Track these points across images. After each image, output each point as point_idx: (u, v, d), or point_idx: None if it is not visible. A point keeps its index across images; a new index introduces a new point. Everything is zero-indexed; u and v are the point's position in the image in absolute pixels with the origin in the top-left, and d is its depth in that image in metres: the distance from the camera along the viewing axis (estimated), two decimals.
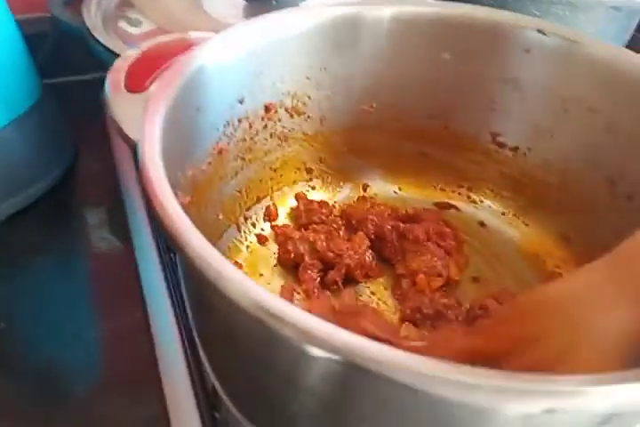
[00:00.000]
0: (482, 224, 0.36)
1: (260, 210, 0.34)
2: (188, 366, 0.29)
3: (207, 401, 0.28)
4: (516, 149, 0.34)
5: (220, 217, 0.31)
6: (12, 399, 0.30)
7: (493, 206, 0.36)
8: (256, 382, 0.20)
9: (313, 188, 0.37)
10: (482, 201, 0.36)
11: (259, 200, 0.34)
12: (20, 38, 0.41)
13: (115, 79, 0.26)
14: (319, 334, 0.15)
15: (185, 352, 0.30)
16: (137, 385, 0.30)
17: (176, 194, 0.21)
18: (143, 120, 0.20)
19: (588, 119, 0.29)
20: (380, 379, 0.15)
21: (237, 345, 0.19)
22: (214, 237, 0.31)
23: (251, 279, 0.16)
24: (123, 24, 0.42)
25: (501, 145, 0.34)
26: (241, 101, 0.29)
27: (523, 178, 0.34)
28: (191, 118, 0.24)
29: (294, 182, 0.36)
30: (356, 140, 0.36)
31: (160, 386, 0.29)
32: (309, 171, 0.36)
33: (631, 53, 0.28)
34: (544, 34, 0.29)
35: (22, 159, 0.41)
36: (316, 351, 0.15)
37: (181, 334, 0.31)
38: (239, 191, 0.32)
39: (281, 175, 0.35)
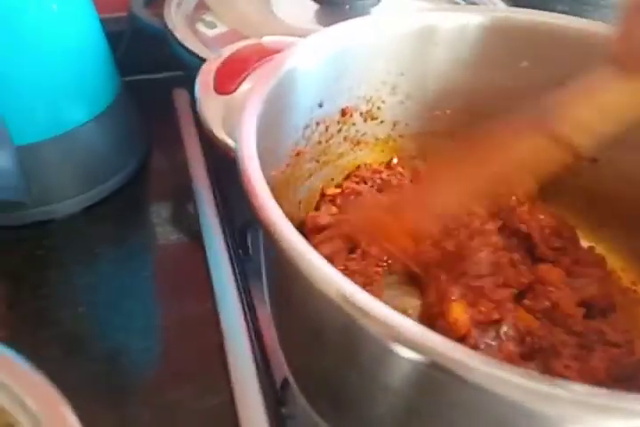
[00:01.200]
0: None
1: None
2: (255, 359, 0.30)
3: (274, 395, 0.29)
4: (595, 160, 0.33)
5: (294, 218, 0.32)
6: (84, 382, 0.31)
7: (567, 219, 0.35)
8: (334, 378, 0.21)
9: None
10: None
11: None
12: (103, 38, 0.43)
13: (204, 81, 0.27)
14: (408, 333, 0.15)
15: (252, 346, 0.31)
16: (204, 374, 0.31)
17: None
18: (241, 119, 0.21)
19: None
20: (466, 384, 0.15)
21: (320, 340, 0.20)
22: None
23: (342, 274, 0.17)
24: (199, 26, 0.44)
25: (578, 156, 0.33)
26: (320, 105, 0.29)
27: (599, 190, 0.33)
28: (277, 120, 0.25)
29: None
30: (426, 145, 0.36)
31: (227, 376, 0.30)
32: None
33: None
34: None
35: (100, 154, 0.43)
36: (402, 351, 0.16)
37: (248, 328, 0.32)
38: (314, 192, 0.33)
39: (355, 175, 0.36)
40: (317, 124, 0.30)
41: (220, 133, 0.24)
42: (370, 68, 0.31)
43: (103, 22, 0.44)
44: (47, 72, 0.37)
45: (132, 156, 0.46)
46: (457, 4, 0.47)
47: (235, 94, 0.26)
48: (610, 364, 0.25)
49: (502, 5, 0.46)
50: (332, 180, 0.34)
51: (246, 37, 0.39)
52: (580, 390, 0.15)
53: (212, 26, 0.45)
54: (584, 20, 0.30)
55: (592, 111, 0.18)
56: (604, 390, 0.14)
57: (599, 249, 0.34)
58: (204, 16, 0.46)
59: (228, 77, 0.28)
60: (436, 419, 0.18)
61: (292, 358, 0.25)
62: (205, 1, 0.47)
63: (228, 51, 0.31)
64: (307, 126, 0.29)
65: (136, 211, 0.44)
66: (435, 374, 0.16)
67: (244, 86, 0.25)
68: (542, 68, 0.31)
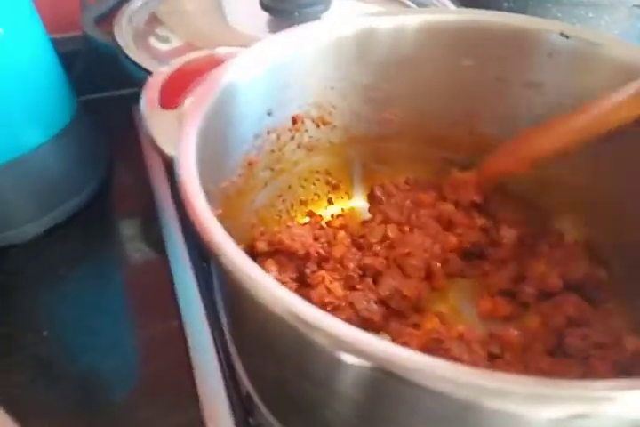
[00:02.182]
0: None
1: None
2: (223, 372, 0.30)
3: (242, 406, 0.29)
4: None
5: (255, 225, 0.32)
6: (53, 405, 0.31)
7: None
8: (290, 388, 0.21)
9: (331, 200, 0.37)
10: None
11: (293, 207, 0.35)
12: (55, 58, 0.42)
13: (149, 97, 0.27)
14: (351, 340, 0.16)
15: (219, 359, 0.31)
16: (173, 391, 0.31)
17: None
18: (179, 136, 0.21)
19: None
20: (411, 386, 0.15)
21: (271, 352, 0.20)
22: (247, 243, 0.32)
23: (284, 287, 0.17)
24: (152, 41, 0.44)
25: None
26: (269, 113, 0.29)
27: (550, 180, 0.34)
28: (223, 132, 0.25)
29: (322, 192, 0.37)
30: (381, 147, 0.36)
31: (195, 392, 0.30)
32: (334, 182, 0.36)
33: None
34: (567, 37, 0.29)
35: (60, 175, 0.43)
36: (348, 358, 0.16)
37: (215, 342, 0.32)
38: (270, 200, 0.33)
39: (313, 184, 0.36)
40: (268, 132, 0.30)
41: (168, 149, 0.24)
42: (315, 74, 0.31)
43: (57, 42, 0.43)
44: (1, 94, 0.37)
45: (93, 175, 0.46)
46: (407, 6, 0.48)
47: (181, 108, 0.26)
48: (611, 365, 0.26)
49: (451, 6, 0.47)
50: (290, 187, 0.35)
51: (201, 50, 0.39)
52: (522, 381, 0.15)
53: (165, 40, 0.45)
54: (521, 17, 0.31)
55: None
56: (538, 379, 0.14)
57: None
58: (156, 30, 0.46)
59: (176, 91, 0.28)
60: (390, 423, 0.19)
61: (250, 370, 0.25)
62: (158, 15, 0.47)
63: (175, 63, 0.31)
64: (257, 136, 0.29)
65: (100, 229, 0.44)
66: (381, 378, 0.16)
67: (188, 101, 0.25)
68: (484, 66, 0.32)
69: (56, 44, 0.43)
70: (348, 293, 0.28)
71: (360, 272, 0.30)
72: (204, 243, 0.18)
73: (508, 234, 0.33)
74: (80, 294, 0.38)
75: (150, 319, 0.36)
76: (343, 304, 0.28)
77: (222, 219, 0.27)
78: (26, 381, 0.32)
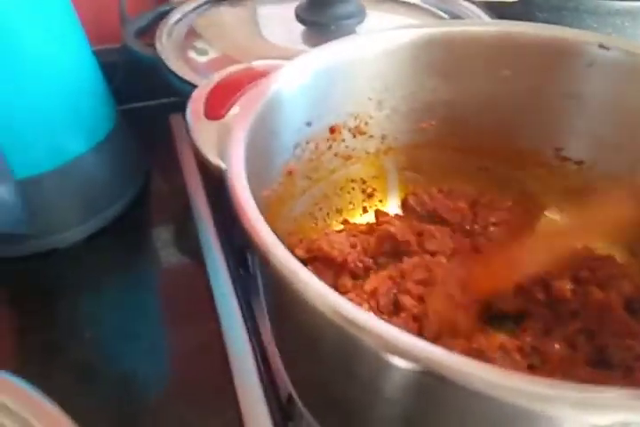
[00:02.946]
0: None
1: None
2: (261, 376, 0.31)
3: (280, 410, 0.29)
4: (580, 162, 0.34)
5: (292, 232, 0.33)
6: (94, 408, 0.32)
7: (557, 219, 0.36)
8: (334, 391, 0.21)
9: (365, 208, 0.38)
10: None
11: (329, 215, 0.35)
12: (97, 69, 0.44)
13: (195, 108, 0.28)
14: (400, 343, 0.16)
15: (257, 363, 0.32)
16: (212, 394, 0.32)
17: None
18: (228, 145, 0.21)
19: None
20: (462, 390, 0.16)
21: (317, 354, 0.20)
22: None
23: (333, 290, 0.17)
24: (191, 53, 0.45)
25: (565, 159, 0.34)
26: (309, 124, 0.30)
27: (587, 191, 0.34)
28: (267, 142, 0.26)
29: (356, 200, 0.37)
30: (416, 156, 0.37)
31: (234, 395, 0.31)
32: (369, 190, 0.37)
33: None
34: (606, 48, 0.29)
35: (100, 183, 0.44)
36: (396, 361, 0.16)
37: (253, 346, 0.33)
38: (307, 208, 0.34)
39: (348, 192, 0.37)
40: (307, 142, 0.31)
41: (214, 158, 0.25)
42: (354, 85, 0.31)
43: (98, 54, 0.45)
44: (44, 106, 0.39)
45: (132, 183, 0.47)
46: (441, 17, 0.48)
47: (225, 119, 0.27)
48: None
49: (487, 18, 0.47)
50: (326, 196, 0.35)
51: (237, 62, 0.40)
52: (571, 388, 0.15)
53: (203, 52, 0.46)
54: (557, 28, 0.31)
55: None
56: (586, 386, 0.15)
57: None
58: (195, 43, 0.47)
59: (219, 102, 0.29)
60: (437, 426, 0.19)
61: (294, 373, 0.26)
62: (196, 28, 0.49)
63: (217, 76, 0.32)
64: (297, 145, 0.30)
65: (138, 236, 0.45)
66: (429, 382, 0.17)
67: (234, 111, 0.26)
68: (522, 77, 0.32)
69: (99, 54, 0.45)
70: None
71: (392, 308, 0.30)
72: (256, 247, 0.18)
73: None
74: (119, 299, 0.39)
75: (187, 324, 0.36)
76: None
77: None
78: (69, 384, 0.33)
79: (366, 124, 0.34)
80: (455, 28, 0.33)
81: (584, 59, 0.30)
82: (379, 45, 0.31)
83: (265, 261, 0.18)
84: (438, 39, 0.32)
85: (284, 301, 0.21)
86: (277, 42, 0.46)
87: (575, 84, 0.31)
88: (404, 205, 0.38)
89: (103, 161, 0.44)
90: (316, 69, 0.28)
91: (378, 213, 0.38)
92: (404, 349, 0.16)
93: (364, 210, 0.38)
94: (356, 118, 0.33)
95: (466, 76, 0.33)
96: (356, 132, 0.34)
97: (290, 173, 0.30)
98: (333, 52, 0.29)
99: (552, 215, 0.36)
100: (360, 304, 0.28)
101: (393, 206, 0.38)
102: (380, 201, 0.38)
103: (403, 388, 0.18)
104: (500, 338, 0.25)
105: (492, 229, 0.36)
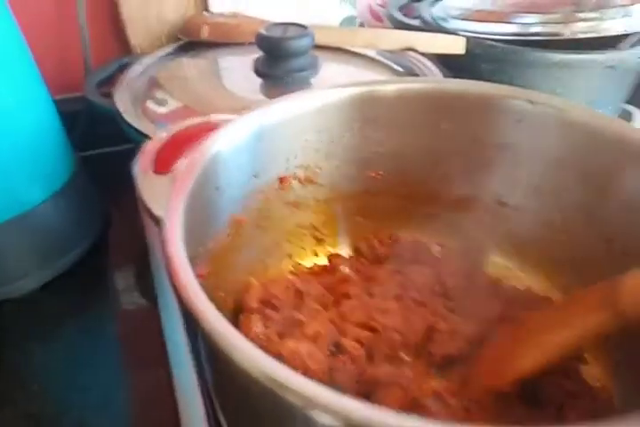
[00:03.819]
0: None
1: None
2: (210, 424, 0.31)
3: None
4: (517, 209, 0.35)
5: (242, 280, 0.33)
6: None
7: (500, 262, 0.37)
8: None
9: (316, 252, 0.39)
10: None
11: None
12: (56, 118, 0.45)
13: (144, 162, 0.29)
14: (324, 400, 0.17)
15: (206, 410, 0.32)
16: None
17: (196, 267, 0.24)
18: (167, 202, 0.22)
19: (582, 181, 0.31)
20: None
21: (251, 411, 0.21)
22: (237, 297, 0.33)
23: (257, 349, 0.18)
24: (151, 104, 0.46)
25: (504, 204, 0.36)
26: (256, 176, 0.31)
27: (526, 236, 0.36)
28: (211, 197, 0.27)
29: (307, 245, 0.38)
30: (366, 203, 0.38)
31: None
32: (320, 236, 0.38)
33: (604, 116, 0.30)
34: (532, 104, 0.32)
35: (58, 231, 0.45)
36: (321, 418, 0.17)
37: (202, 393, 0.33)
38: (258, 256, 0.35)
39: (299, 238, 0.38)
40: (255, 193, 0.32)
41: (158, 212, 0.26)
42: (301, 139, 0.33)
43: (62, 102, 0.46)
44: (5, 155, 0.39)
45: (91, 229, 0.47)
46: (395, 70, 0.51)
47: (170, 174, 0.28)
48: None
49: (436, 70, 0.49)
50: (277, 243, 0.36)
51: (197, 112, 0.41)
52: None
53: (163, 103, 0.48)
54: (490, 85, 0.33)
55: None
56: None
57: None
58: (155, 94, 0.48)
59: (171, 156, 0.30)
60: None
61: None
62: (157, 79, 0.50)
63: (171, 129, 0.33)
64: (245, 197, 0.31)
65: (96, 282, 0.45)
66: None
67: (179, 166, 0.27)
68: (460, 129, 0.34)
69: (60, 103, 0.46)
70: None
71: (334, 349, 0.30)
72: (185, 307, 0.19)
73: None
74: (72, 349, 0.39)
75: (141, 372, 0.36)
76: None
77: (210, 276, 0.28)
78: None
79: (315, 173, 0.35)
80: (395, 85, 0.35)
81: (514, 113, 0.33)
82: (323, 101, 0.33)
83: (197, 326, 0.19)
84: (380, 95, 0.34)
85: (217, 361, 0.21)
86: (237, 93, 0.48)
87: (507, 135, 0.33)
88: (356, 249, 0.39)
89: (61, 209, 0.44)
90: (259, 126, 0.30)
91: (331, 257, 0.39)
92: (328, 406, 0.16)
93: (315, 254, 0.39)
94: (305, 169, 0.35)
95: (408, 129, 0.35)
96: (306, 181, 0.35)
97: (239, 222, 0.31)
98: (276, 110, 0.30)
99: (497, 259, 0.38)
100: (300, 347, 0.29)
101: (344, 250, 0.39)
102: (331, 246, 0.39)
103: None
104: (433, 384, 0.26)
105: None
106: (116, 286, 0.45)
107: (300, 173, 0.34)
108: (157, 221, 0.26)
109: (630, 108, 0.59)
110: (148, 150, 0.30)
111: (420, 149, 0.36)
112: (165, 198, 0.26)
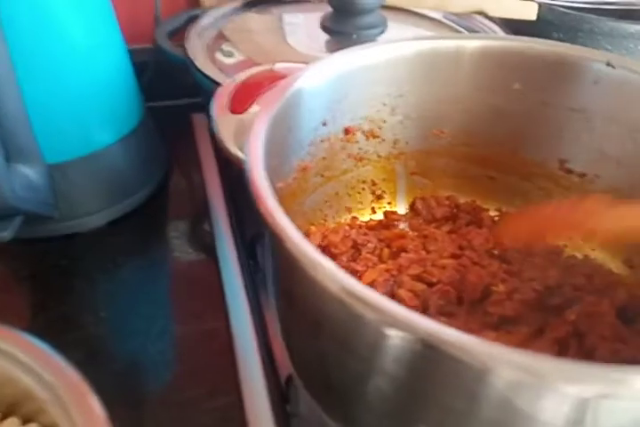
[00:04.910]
0: None
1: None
2: (263, 360, 0.32)
3: (279, 393, 0.31)
4: (583, 175, 0.35)
5: (300, 226, 0.34)
6: (104, 382, 0.33)
7: None
8: (334, 369, 0.23)
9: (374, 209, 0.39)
10: None
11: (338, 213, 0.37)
12: (130, 66, 0.46)
13: (220, 103, 0.30)
14: (398, 316, 0.17)
15: (259, 348, 0.33)
16: (216, 376, 0.33)
17: None
18: (249, 139, 0.23)
19: None
20: (454, 360, 0.17)
21: (321, 332, 0.22)
22: None
23: (340, 268, 0.19)
24: (218, 55, 0.47)
25: (569, 171, 0.36)
26: (324, 124, 0.32)
27: None
28: (284, 137, 0.28)
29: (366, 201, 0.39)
30: (426, 162, 0.38)
31: (237, 379, 0.32)
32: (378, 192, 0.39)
33: None
34: (612, 66, 0.31)
35: (124, 173, 0.46)
36: (394, 333, 0.18)
37: (257, 333, 0.34)
38: (318, 205, 0.35)
39: (358, 193, 0.38)
40: (322, 141, 0.33)
41: (234, 149, 0.27)
42: (370, 90, 0.33)
43: (131, 52, 0.47)
44: (77, 97, 0.41)
45: (153, 175, 0.49)
46: (458, 31, 0.50)
47: (246, 114, 0.29)
48: None
49: (501, 33, 0.49)
50: (337, 194, 0.37)
51: (261, 65, 0.42)
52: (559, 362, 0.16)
53: (229, 55, 0.49)
54: (568, 45, 0.33)
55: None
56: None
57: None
58: (222, 46, 0.49)
59: (241, 99, 0.31)
60: (430, 400, 0.20)
61: (296, 353, 0.27)
62: (224, 32, 0.51)
63: (242, 76, 0.34)
64: (311, 143, 0.32)
65: (156, 226, 0.47)
66: (425, 353, 0.18)
67: (255, 107, 0.28)
68: (532, 90, 0.34)
69: (131, 53, 0.47)
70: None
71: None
72: (271, 229, 0.20)
73: None
74: (134, 283, 0.41)
75: (197, 309, 0.38)
76: None
77: None
78: (81, 358, 0.35)
79: (380, 128, 0.36)
80: (471, 40, 0.34)
81: (591, 76, 0.32)
82: (395, 54, 0.33)
83: (279, 242, 0.20)
84: (451, 51, 0.33)
85: (293, 281, 0.22)
86: (300, 48, 0.48)
87: (581, 99, 0.33)
88: (412, 208, 0.40)
89: (127, 153, 0.46)
90: (335, 73, 0.30)
91: (387, 213, 0.39)
92: (401, 320, 0.17)
93: (373, 210, 0.39)
94: (370, 122, 0.35)
95: (477, 88, 0.35)
96: (370, 135, 0.36)
97: (304, 169, 0.32)
98: (352, 58, 0.31)
99: None
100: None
101: (401, 209, 0.40)
102: (389, 203, 0.40)
103: (398, 360, 0.19)
104: (492, 335, 0.26)
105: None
106: (175, 232, 0.47)
107: (365, 126, 0.35)
108: (232, 158, 0.28)
109: None
110: (223, 93, 0.31)
111: (488, 108, 0.35)
112: (241, 136, 0.27)
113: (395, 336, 0.17)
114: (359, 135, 0.35)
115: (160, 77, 0.56)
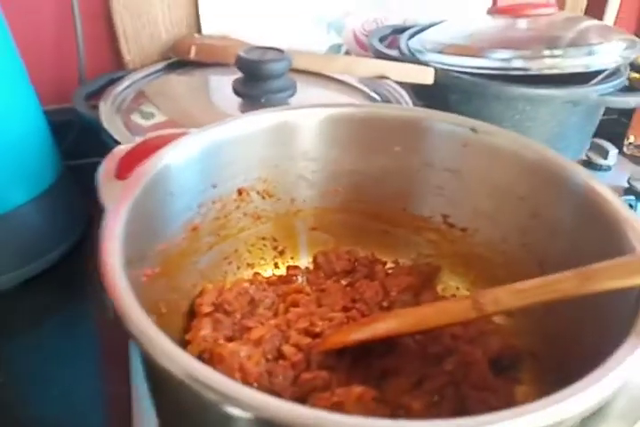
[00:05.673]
0: None
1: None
2: None
3: None
4: (464, 229, 0.38)
5: (197, 284, 0.35)
6: None
7: (449, 281, 0.39)
8: None
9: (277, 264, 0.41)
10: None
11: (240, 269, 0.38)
12: (44, 124, 0.48)
13: (107, 168, 0.31)
14: (235, 394, 0.18)
15: None
16: None
17: (144, 267, 0.26)
18: (112, 205, 0.25)
19: (518, 205, 0.33)
20: None
21: (183, 417, 0.22)
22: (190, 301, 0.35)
23: (181, 350, 0.20)
24: (135, 117, 0.49)
25: (452, 226, 0.38)
26: (214, 186, 0.34)
27: (472, 256, 0.38)
28: (164, 201, 0.29)
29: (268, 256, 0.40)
30: (325, 218, 0.40)
31: None
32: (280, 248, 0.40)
33: (532, 144, 0.33)
34: (476, 131, 0.34)
35: (40, 231, 0.47)
36: (234, 411, 0.18)
37: None
38: (216, 262, 0.37)
39: (259, 249, 0.40)
40: (213, 202, 0.34)
41: None
42: (260, 154, 0.35)
43: (54, 112, 0.49)
44: None
45: (70, 232, 0.50)
46: (366, 93, 0.54)
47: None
48: None
49: (407, 98, 0.52)
50: (236, 251, 0.38)
51: (181, 126, 0.43)
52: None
53: (149, 116, 0.50)
54: (438, 113, 0.36)
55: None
56: None
57: None
58: (142, 107, 0.51)
59: (133, 164, 0.32)
60: None
61: None
62: (146, 93, 0.53)
63: (139, 139, 0.36)
64: (201, 205, 0.33)
65: (74, 283, 0.47)
66: None
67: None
68: (410, 153, 0.37)
69: (54, 113, 0.49)
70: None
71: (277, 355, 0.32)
72: (111, 304, 0.21)
73: None
74: (47, 345, 0.41)
75: (107, 374, 0.38)
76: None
77: (161, 277, 0.30)
78: None
79: (275, 187, 0.38)
80: (358, 108, 0.37)
81: (459, 139, 0.35)
82: (284, 119, 0.35)
83: (121, 321, 0.21)
84: (341, 117, 0.36)
85: (145, 365, 0.23)
86: (218, 110, 0.51)
87: (454, 160, 0.36)
88: (314, 262, 0.41)
89: (43, 211, 0.47)
90: (213, 141, 0.32)
91: (289, 267, 0.41)
92: (237, 398, 0.18)
93: (276, 266, 0.41)
94: (264, 182, 0.37)
95: (364, 150, 0.37)
96: (265, 194, 0.37)
97: (194, 229, 0.33)
98: (228, 127, 0.33)
99: (446, 278, 0.40)
100: (241, 349, 0.31)
101: (304, 263, 0.41)
102: (292, 258, 0.41)
103: None
104: (358, 389, 0.27)
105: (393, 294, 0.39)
106: (94, 288, 0.47)
107: (259, 186, 0.37)
108: None
109: (604, 142, 0.61)
110: (113, 157, 0.33)
111: (377, 168, 0.38)
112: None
113: (234, 413, 0.18)
114: (254, 195, 0.37)
115: (86, 136, 0.57)
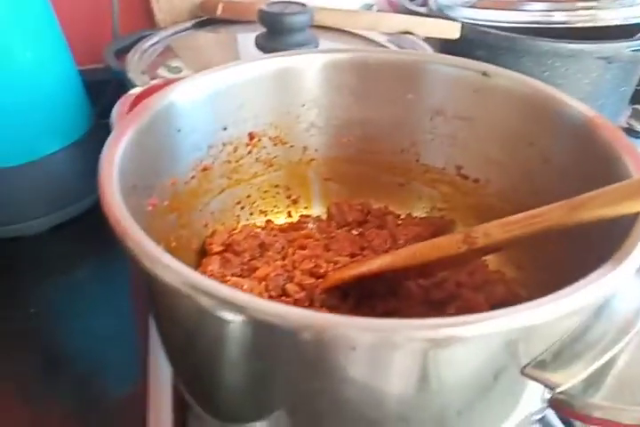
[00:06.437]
0: None
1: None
2: None
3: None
4: (477, 181, 0.37)
5: (207, 224, 0.36)
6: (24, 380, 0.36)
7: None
8: (197, 362, 0.24)
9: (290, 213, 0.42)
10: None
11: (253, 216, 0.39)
12: (76, 78, 0.50)
13: (122, 107, 0.33)
14: (227, 297, 0.19)
15: None
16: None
17: (150, 197, 0.27)
18: (111, 136, 0.26)
19: (528, 152, 0.33)
20: (278, 330, 0.18)
21: (179, 328, 0.23)
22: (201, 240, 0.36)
23: (177, 260, 0.20)
24: (162, 71, 0.50)
25: (465, 177, 0.38)
26: (224, 128, 0.34)
27: (483, 207, 0.37)
28: (172, 136, 0.30)
29: (281, 204, 0.41)
30: (339, 169, 0.41)
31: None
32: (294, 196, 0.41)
33: (546, 88, 0.31)
34: (487, 75, 0.33)
35: (69, 180, 0.49)
36: (225, 314, 0.19)
37: None
38: (227, 206, 0.38)
39: (272, 196, 0.40)
40: (223, 144, 0.35)
41: None
42: (272, 99, 0.36)
43: (89, 71, 0.51)
44: (19, 106, 0.44)
45: None
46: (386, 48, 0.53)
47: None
48: None
49: (429, 50, 0.51)
50: (249, 197, 0.39)
51: None
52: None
53: (175, 71, 0.52)
54: (453, 58, 0.35)
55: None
56: None
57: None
58: (169, 62, 0.52)
59: None
60: (280, 382, 0.21)
61: (175, 363, 0.29)
62: (173, 49, 0.54)
63: (150, 84, 0.37)
64: (212, 146, 0.34)
65: (98, 233, 0.49)
66: (259, 332, 0.19)
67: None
68: (424, 100, 0.36)
69: (89, 72, 0.51)
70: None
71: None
72: (110, 224, 0.22)
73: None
74: (73, 285, 0.44)
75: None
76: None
77: (170, 211, 0.32)
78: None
79: (287, 134, 0.38)
80: (372, 53, 0.37)
81: (471, 85, 0.34)
82: (293, 65, 0.35)
83: (120, 241, 0.21)
84: (349, 63, 0.36)
85: (146, 281, 0.24)
86: None
87: (466, 108, 0.35)
88: (328, 212, 0.42)
89: (73, 161, 0.49)
90: (229, 79, 0.33)
91: (302, 217, 0.42)
92: (230, 301, 0.18)
93: (289, 214, 0.42)
94: (276, 128, 0.37)
95: (375, 98, 0.37)
96: (277, 141, 0.38)
97: (205, 169, 0.34)
98: (237, 70, 0.33)
99: (459, 230, 0.39)
100: (244, 282, 0.32)
101: (318, 213, 0.42)
102: (306, 207, 0.42)
103: (239, 343, 0.20)
104: None
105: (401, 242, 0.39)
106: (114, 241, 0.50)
107: (271, 132, 0.37)
108: None
109: None
110: (127, 98, 0.34)
111: (387, 117, 0.38)
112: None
113: (230, 319, 0.19)
114: (266, 140, 0.37)
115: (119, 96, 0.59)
